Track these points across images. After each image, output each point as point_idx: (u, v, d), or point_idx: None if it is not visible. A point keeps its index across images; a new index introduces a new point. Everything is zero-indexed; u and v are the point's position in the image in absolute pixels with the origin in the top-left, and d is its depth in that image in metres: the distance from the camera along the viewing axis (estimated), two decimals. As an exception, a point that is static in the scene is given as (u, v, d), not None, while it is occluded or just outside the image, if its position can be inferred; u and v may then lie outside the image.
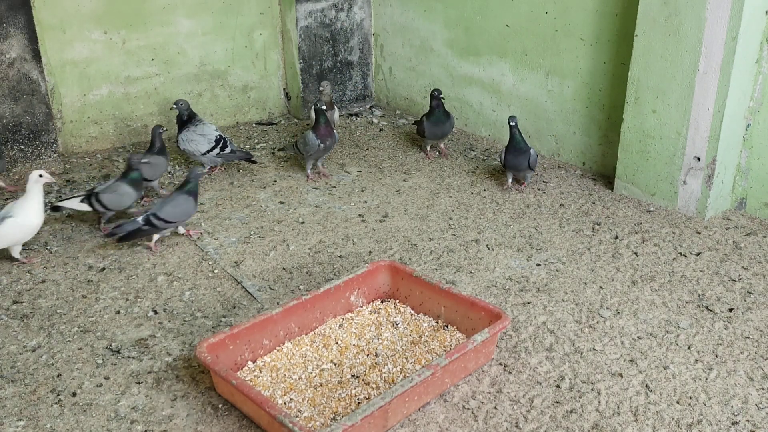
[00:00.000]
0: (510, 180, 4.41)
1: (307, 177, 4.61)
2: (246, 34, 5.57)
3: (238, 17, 5.49)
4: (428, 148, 4.98)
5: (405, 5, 5.60)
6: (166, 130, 4.23)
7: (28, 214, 3.40)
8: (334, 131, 4.57)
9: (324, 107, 4.51)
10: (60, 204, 3.85)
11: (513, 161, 4.27)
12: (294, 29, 5.57)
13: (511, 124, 4.26)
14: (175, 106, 4.61)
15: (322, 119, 4.46)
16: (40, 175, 3.42)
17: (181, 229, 3.83)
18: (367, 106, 6.09)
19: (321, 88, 4.98)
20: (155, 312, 3.23)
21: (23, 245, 3.61)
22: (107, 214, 3.88)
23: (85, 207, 3.80)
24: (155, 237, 3.69)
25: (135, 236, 3.63)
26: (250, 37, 5.60)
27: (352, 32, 5.86)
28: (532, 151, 4.27)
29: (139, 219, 3.61)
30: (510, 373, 2.81)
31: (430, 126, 4.79)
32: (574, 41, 4.56)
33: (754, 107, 3.91)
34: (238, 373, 2.75)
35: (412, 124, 5.32)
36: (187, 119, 4.62)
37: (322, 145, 4.47)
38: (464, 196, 4.37)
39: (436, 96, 4.75)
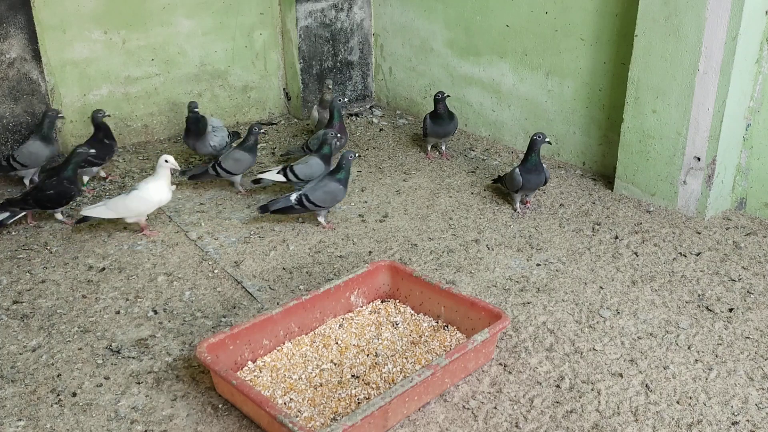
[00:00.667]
0: (518, 202, 4.14)
1: None
2: (246, 34, 5.57)
3: (238, 17, 5.49)
4: (429, 148, 4.97)
5: (405, 5, 5.60)
6: (265, 133, 4.29)
7: (150, 190, 3.74)
8: (346, 129, 4.62)
9: (339, 101, 4.52)
10: (260, 176, 4.26)
11: (535, 180, 4.01)
12: (294, 29, 5.56)
13: (539, 139, 3.95)
14: (197, 109, 4.54)
15: (336, 116, 4.47)
16: (166, 161, 3.75)
17: (321, 219, 3.95)
18: (367, 106, 6.09)
19: (329, 86, 4.97)
20: (155, 312, 3.23)
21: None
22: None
23: (280, 178, 4.17)
24: (321, 216, 3.96)
25: (286, 212, 3.91)
26: (250, 37, 5.60)
27: (352, 32, 5.86)
28: (544, 165, 4.06)
29: (292, 198, 3.86)
30: (510, 373, 2.81)
31: (433, 125, 4.77)
32: (574, 41, 4.56)
33: (754, 107, 3.91)
34: (238, 373, 2.75)
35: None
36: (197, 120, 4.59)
37: (338, 143, 4.49)
38: (464, 196, 4.37)
39: (439, 98, 4.68)
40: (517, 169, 4.03)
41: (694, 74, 3.82)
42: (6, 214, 3.80)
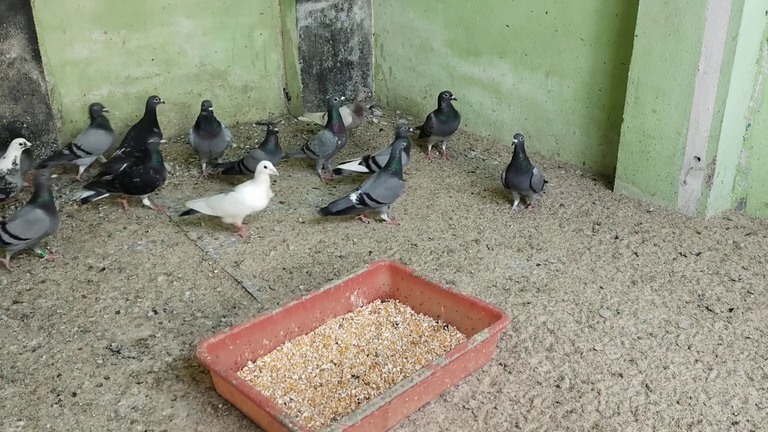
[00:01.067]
0: (517, 201, 4.15)
1: (320, 177, 4.63)
2: (246, 34, 5.57)
3: (238, 17, 5.48)
4: (429, 148, 4.97)
5: (405, 5, 5.60)
6: (277, 130, 4.33)
7: (245, 194, 3.78)
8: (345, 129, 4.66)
9: (336, 100, 4.56)
10: (341, 167, 4.40)
11: (513, 180, 4.03)
12: (294, 29, 5.56)
13: (515, 141, 4.00)
14: (211, 108, 4.50)
15: (335, 116, 4.50)
16: (265, 167, 3.77)
17: (385, 217, 3.97)
18: (367, 106, 6.09)
19: (368, 94, 4.98)
20: (155, 312, 3.23)
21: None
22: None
23: (362, 168, 4.29)
24: (384, 214, 3.96)
25: (347, 212, 3.95)
26: (250, 37, 5.60)
27: (352, 32, 5.86)
28: (535, 170, 4.00)
29: (353, 197, 3.91)
30: (510, 373, 2.81)
31: (439, 123, 4.75)
32: (574, 41, 4.56)
33: (754, 107, 3.91)
34: (238, 373, 2.75)
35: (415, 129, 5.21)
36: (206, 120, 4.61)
37: (339, 142, 4.51)
38: (464, 196, 4.37)
39: (446, 98, 4.67)
40: (505, 168, 4.13)
41: (694, 74, 3.82)
42: (91, 192, 4.05)
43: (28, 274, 3.52)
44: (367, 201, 3.89)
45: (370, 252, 3.73)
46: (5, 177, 3.89)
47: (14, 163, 3.95)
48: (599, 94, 4.55)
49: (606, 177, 4.58)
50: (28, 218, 3.45)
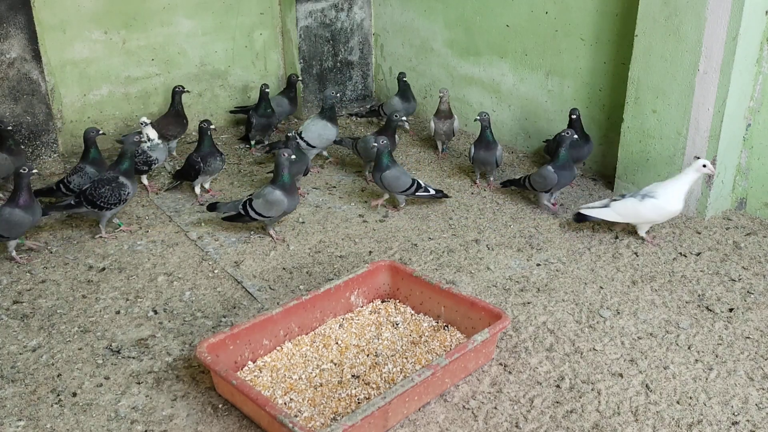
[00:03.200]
0: (545, 200, 4.10)
1: (367, 181, 4.56)
2: (246, 34, 5.57)
3: (238, 17, 5.49)
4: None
5: (405, 5, 5.60)
6: (293, 134, 4.27)
7: (670, 199, 3.45)
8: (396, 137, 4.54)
9: (396, 117, 4.43)
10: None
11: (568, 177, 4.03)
12: (294, 29, 5.57)
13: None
14: (338, 95, 4.65)
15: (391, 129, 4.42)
16: (704, 165, 3.39)
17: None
18: (367, 106, 6.09)
19: (442, 96, 4.82)
20: (155, 312, 3.23)
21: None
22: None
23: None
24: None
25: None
26: (250, 37, 5.60)
27: (352, 32, 5.86)
28: (549, 167, 3.98)
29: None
30: (510, 373, 2.81)
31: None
32: (574, 41, 4.56)
33: (754, 107, 3.91)
34: (239, 373, 2.75)
35: (543, 141, 4.87)
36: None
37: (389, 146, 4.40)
38: (464, 196, 4.37)
39: (577, 116, 4.26)
40: (549, 167, 4.00)
41: (694, 74, 3.81)
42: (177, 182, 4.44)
43: (28, 274, 3.52)
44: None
45: (370, 252, 3.73)
46: (146, 152, 4.26)
47: (149, 139, 4.28)
48: (599, 94, 4.55)
49: (606, 177, 4.58)
50: (268, 199, 3.69)
